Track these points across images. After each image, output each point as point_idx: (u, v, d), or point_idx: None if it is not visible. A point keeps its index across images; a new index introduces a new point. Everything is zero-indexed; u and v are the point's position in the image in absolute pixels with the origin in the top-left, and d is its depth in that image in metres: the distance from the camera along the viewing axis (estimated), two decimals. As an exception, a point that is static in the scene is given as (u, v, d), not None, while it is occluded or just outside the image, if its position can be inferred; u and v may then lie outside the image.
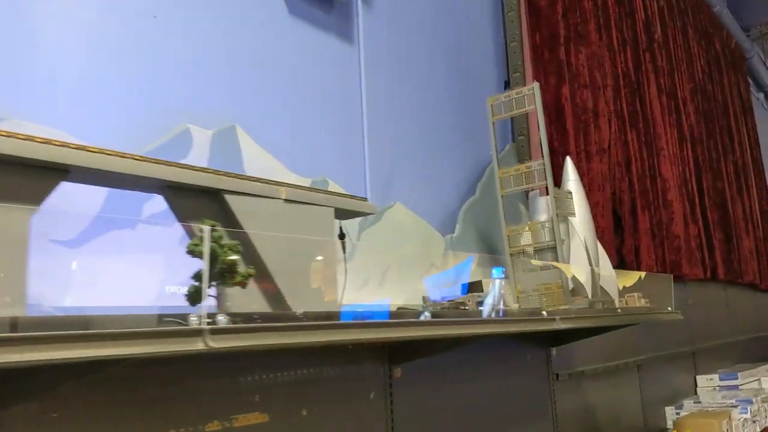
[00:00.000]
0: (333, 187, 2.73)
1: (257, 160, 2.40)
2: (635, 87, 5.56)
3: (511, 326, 2.35)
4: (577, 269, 3.07)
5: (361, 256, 2.77)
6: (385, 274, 2.82)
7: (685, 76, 7.04)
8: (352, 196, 2.04)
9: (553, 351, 4.08)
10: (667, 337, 5.91)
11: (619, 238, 5.04)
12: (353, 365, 2.68)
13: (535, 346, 3.94)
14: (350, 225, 2.81)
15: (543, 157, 3.04)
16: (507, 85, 4.38)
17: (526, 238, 3.08)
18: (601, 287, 3.45)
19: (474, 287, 3.20)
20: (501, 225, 3.12)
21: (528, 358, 3.84)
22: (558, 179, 3.55)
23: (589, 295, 3.11)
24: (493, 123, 3.17)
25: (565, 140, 4.34)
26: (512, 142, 4.31)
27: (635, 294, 3.56)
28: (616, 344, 4.95)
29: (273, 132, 2.56)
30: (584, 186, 4.74)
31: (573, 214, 3.15)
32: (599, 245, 3.50)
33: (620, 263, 5.02)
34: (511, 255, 3.08)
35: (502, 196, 3.14)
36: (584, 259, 3.14)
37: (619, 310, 3.11)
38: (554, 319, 2.46)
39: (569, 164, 3.48)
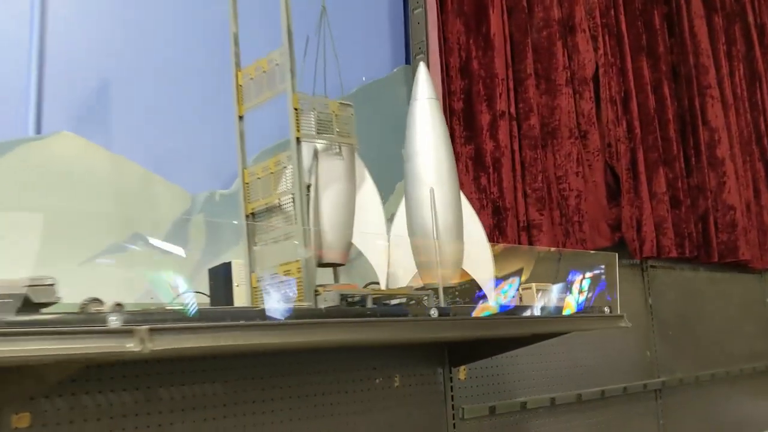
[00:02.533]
0: None
1: None
2: (654, -3, 3.96)
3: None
4: (364, 240, 1.73)
5: None
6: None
7: (765, -4, 5.22)
8: None
9: (459, 372, 2.69)
10: (725, 349, 4.24)
11: (617, 208, 3.51)
12: None
13: (420, 363, 2.58)
14: None
15: (286, 44, 1.71)
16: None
17: (285, 184, 1.77)
18: (465, 272, 2.07)
19: (216, 274, 1.95)
20: (238, 166, 1.83)
21: (395, 385, 2.48)
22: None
23: (387, 284, 1.76)
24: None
25: (489, 58, 2.92)
26: (406, 64, 2.96)
27: (533, 285, 2.14)
28: (612, 360, 3.42)
29: None
30: (543, 130, 3.28)
31: (347, 138, 1.78)
32: (467, 204, 2.11)
33: (620, 243, 3.50)
34: (252, 215, 1.78)
35: (241, 117, 1.85)
36: (382, 218, 1.79)
37: (431, 316, 1.69)
38: (130, 332, 1.16)
39: (422, 73, 2.12)
